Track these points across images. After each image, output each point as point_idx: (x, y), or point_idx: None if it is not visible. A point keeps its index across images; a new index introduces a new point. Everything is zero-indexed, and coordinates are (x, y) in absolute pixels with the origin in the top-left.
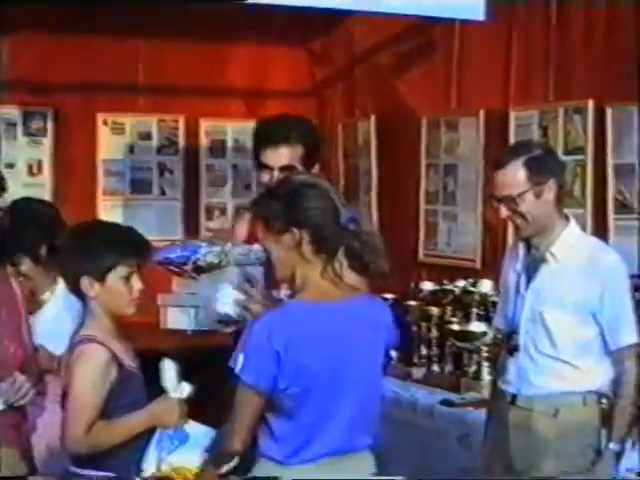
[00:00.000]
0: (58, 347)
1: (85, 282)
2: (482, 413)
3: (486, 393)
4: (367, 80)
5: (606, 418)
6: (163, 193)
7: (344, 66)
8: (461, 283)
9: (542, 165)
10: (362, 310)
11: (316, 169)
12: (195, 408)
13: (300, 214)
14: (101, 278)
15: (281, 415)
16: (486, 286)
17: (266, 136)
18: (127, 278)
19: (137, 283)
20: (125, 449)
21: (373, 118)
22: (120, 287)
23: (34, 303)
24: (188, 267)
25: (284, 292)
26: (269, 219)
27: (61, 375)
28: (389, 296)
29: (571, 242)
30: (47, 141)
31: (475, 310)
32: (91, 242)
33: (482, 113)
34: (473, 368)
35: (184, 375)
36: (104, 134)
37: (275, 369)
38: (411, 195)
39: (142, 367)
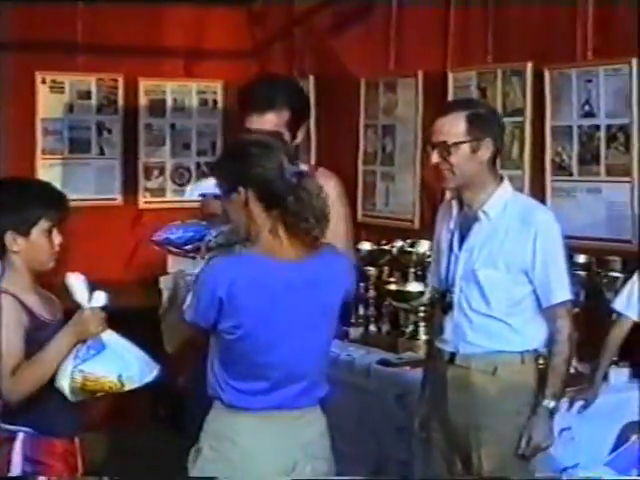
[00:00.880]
0: None
1: (9, 237)
2: (419, 373)
3: (423, 353)
4: (306, 41)
5: (543, 377)
6: (102, 152)
7: (283, 26)
8: (399, 243)
9: (484, 123)
10: (315, 268)
11: (302, 132)
12: None
13: (244, 173)
14: (26, 233)
15: (225, 360)
16: (424, 246)
17: (251, 101)
18: (49, 232)
19: (57, 237)
20: (51, 403)
21: (312, 79)
22: (43, 241)
23: None
24: (189, 247)
25: None
26: (219, 179)
27: None
28: None
29: (504, 201)
30: None
31: (412, 270)
32: (14, 198)
33: (420, 74)
34: (410, 328)
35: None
36: (43, 93)
37: (215, 313)
38: (349, 156)
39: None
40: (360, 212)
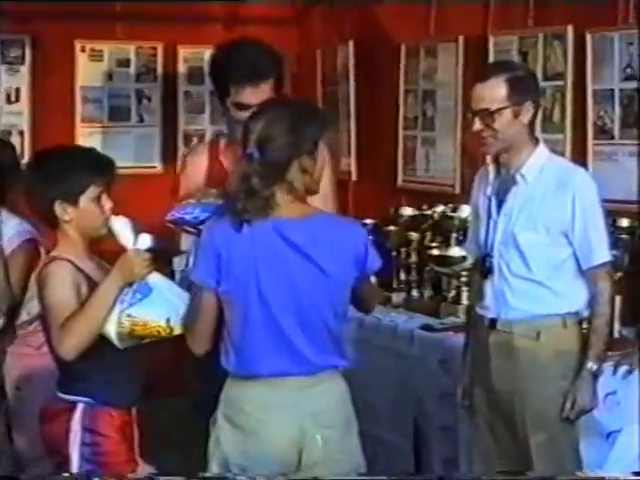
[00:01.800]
0: None
1: (58, 208)
2: (462, 338)
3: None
4: (346, 6)
5: (586, 341)
6: (141, 120)
7: None
8: (440, 208)
9: (523, 86)
10: (318, 230)
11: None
12: None
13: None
14: (74, 201)
15: (230, 327)
16: (465, 211)
17: (241, 72)
18: (98, 199)
19: (107, 202)
20: (109, 374)
21: (351, 44)
22: (92, 208)
23: None
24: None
25: None
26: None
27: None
28: (368, 221)
29: (541, 164)
30: (25, 69)
31: (454, 235)
32: (60, 167)
33: (461, 39)
34: (452, 293)
35: None
36: (82, 61)
37: (216, 269)
38: (390, 121)
39: None
40: (400, 177)
